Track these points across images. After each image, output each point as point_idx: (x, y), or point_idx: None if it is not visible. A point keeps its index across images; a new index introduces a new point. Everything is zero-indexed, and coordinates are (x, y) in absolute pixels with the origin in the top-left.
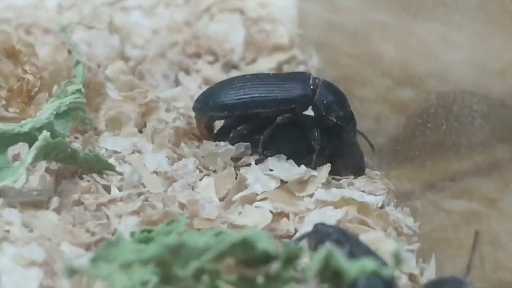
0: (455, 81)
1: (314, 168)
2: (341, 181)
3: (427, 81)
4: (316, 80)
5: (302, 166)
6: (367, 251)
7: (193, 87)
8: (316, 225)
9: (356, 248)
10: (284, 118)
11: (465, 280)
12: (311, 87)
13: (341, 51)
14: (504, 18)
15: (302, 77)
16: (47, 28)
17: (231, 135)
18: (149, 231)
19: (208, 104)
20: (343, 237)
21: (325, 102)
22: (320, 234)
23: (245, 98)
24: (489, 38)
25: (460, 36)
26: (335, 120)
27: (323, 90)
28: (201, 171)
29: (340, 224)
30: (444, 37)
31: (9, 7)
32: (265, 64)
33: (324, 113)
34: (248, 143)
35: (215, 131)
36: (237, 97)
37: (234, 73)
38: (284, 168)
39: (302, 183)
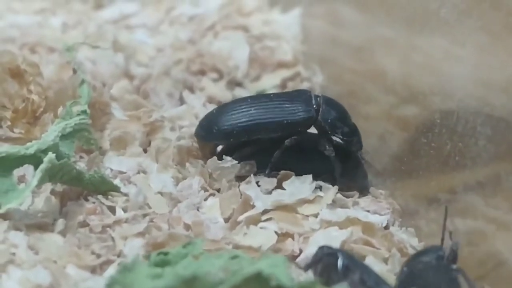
0: (460, 98)
1: (338, 177)
2: (346, 200)
3: (431, 98)
4: (318, 99)
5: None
6: (378, 279)
7: (198, 105)
8: (322, 248)
9: (366, 275)
10: (292, 141)
11: (442, 249)
12: (314, 106)
13: (345, 67)
14: (508, 35)
15: (303, 97)
16: (52, 47)
17: (234, 156)
18: (165, 254)
19: (212, 131)
20: (352, 264)
21: (329, 120)
22: (331, 260)
23: (250, 124)
24: (493, 53)
25: (464, 51)
26: (341, 136)
27: (326, 108)
28: (206, 191)
29: (345, 245)
30: (448, 52)
31: (14, 26)
32: (269, 81)
33: (329, 132)
34: (253, 161)
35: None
36: (242, 124)
37: (238, 91)
38: (294, 186)
39: (308, 202)
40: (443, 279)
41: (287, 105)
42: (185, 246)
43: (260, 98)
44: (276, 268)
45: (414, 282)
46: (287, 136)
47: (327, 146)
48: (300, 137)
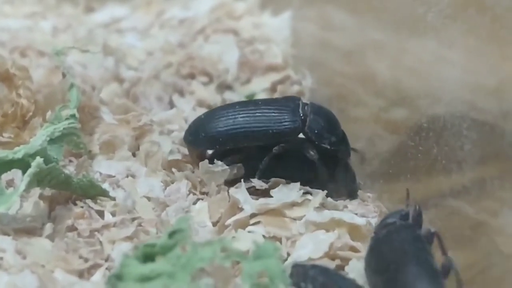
0: (447, 102)
1: (323, 180)
2: (335, 203)
3: (419, 101)
4: (306, 108)
5: (300, 190)
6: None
7: (187, 109)
8: (295, 267)
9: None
10: (280, 148)
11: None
12: (301, 116)
13: (334, 70)
14: (494, 40)
15: (291, 106)
16: (42, 51)
17: (224, 162)
18: (153, 246)
19: (199, 138)
20: (328, 280)
21: (316, 131)
22: (309, 278)
23: (236, 132)
24: (480, 57)
25: (452, 54)
26: (328, 146)
27: (313, 118)
28: (194, 194)
29: (332, 247)
30: (436, 55)
31: (4, 29)
32: (259, 85)
33: (316, 142)
34: (241, 165)
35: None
36: (228, 131)
37: (228, 94)
38: (282, 192)
39: (296, 205)
40: (408, 237)
41: (273, 114)
42: (171, 236)
43: (248, 105)
44: (268, 258)
45: (382, 244)
46: (274, 144)
47: (310, 151)
48: (288, 145)
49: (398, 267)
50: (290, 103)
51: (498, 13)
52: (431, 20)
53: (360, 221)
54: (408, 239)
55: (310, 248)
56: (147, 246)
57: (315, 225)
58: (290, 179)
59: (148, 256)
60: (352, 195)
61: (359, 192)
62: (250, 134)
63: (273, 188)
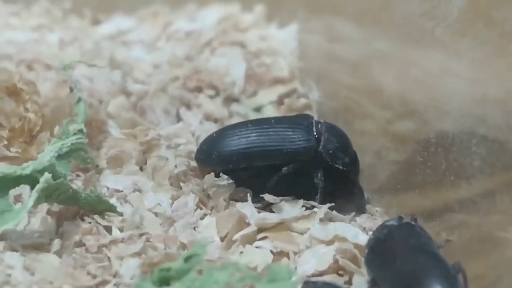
0: (455, 118)
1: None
2: (342, 218)
3: (427, 114)
4: (319, 126)
5: (303, 207)
6: None
7: (194, 123)
8: (307, 283)
9: None
10: (289, 169)
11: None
12: (315, 135)
13: (341, 82)
14: (502, 56)
15: (305, 124)
16: (49, 64)
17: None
18: (168, 270)
19: (211, 157)
20: None
21: (330, 152)
22: None
23: (250, 151)
24: (488, 72)
25: (459, 67)
26: (341, 167)
27: (327, 138)
28: (201, 209)
29: (334, 262)
30: (445, 67)
31: (10, 42)
32: (266, 97)
33: (330, 163)
34: (250, 190)
35: None
36: (242, 150)
37: (235, 107)
38: (284, 209)
39: (302, 218)
40: (410, 232)
41: (288, 133)
42: (187, 260)
43: (261, 123)
44: (282, 281)
45: (385, 241)
46: (285, 163)
47: (319, 175)
48: (298, 165)
49: (406, 258)
50: (303, 121)
51: (506, 29)
52: (439, 34)
53: (364, 238)
54: (411, 234)
55: (313, 263)
56: (162, 270)
57: (319, 241)
58: (297, 196)
59: (163, 280)
60: (360, 210)
61: (368, 206)
62: (264, 153)
63: None
